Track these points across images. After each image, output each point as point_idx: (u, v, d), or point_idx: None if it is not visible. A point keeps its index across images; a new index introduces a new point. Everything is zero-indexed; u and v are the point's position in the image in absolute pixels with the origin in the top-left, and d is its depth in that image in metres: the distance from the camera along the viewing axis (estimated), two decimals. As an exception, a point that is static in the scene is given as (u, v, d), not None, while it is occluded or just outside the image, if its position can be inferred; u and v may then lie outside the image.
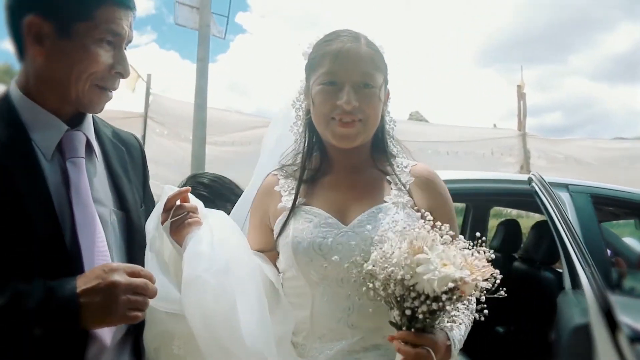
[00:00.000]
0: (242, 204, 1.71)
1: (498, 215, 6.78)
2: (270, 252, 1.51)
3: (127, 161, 1.46)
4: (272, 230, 1.49)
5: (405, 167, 1.50)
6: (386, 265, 1.18)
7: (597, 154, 10.57)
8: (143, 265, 1.31)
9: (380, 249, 1.24)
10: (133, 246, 1.37)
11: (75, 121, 1.34)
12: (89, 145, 1.36)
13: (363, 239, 1.34)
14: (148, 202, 1.55)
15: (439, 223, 1.25)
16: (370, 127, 1.43)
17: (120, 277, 1.14)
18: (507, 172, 9.61)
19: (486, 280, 1.19)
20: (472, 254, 1.22)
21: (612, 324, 1.80)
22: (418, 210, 1.40)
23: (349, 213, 1.41)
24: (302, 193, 1.47)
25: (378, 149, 1.52)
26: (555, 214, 2.23)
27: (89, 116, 1.39)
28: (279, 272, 1.49)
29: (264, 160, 1.71)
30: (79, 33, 1.25)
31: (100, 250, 1.26)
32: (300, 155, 1.54)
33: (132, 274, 1.17)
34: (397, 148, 1.56)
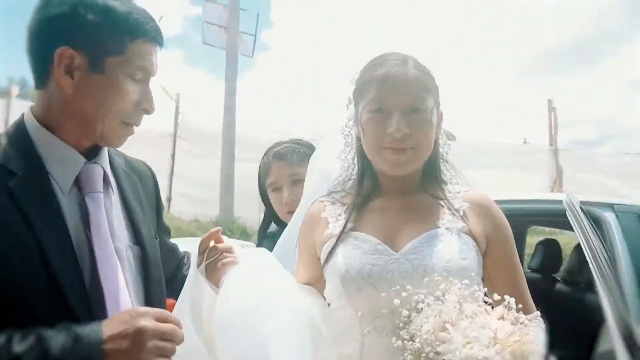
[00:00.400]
0: (288, 237, 1.64)
1: (537, 232, 6.60)
2: (319, 284, 1.43)
3: (140, 192, 1.44)
4: (320, 259, 1.41)
5: (458, 192, 1.42)
6: (416, 339, 1.12)
7: (634, 169, 10.34)
8: (160, 299, 1.34)
9: (413, 319, 1.16)
10: (149, 281, 1.34)
11: (92, 154, 1.30)
12: (105, 178, 1.32)
13: (415, 266, 1.26)
14: (162, 232, 1.54)
15: (476, 287, 1.19)
16: (422, 153, 1.36)
17: (148, 323, 1.10)
18: (538, 187, 9.44)
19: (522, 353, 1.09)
20: (511, 321, 1.12)
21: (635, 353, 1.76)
22: (474, 237, 1.33)
23: (400, 239, 1.33)
24: (351, 219, 1.40)
25: (430, 174, 1.44)
26: (586, 238, 2.15)
27: (104, 149, 1.35)
28: (328, 304, 1.39)
29: (308, 191, 1.65)
30: (111, 67, 1.22)
31: (120, 287, 1.23)
32: (350, 182, 1.48)
33: (160, 319, 1.13)
34: (451, 172, 1.49)
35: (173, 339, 1.13)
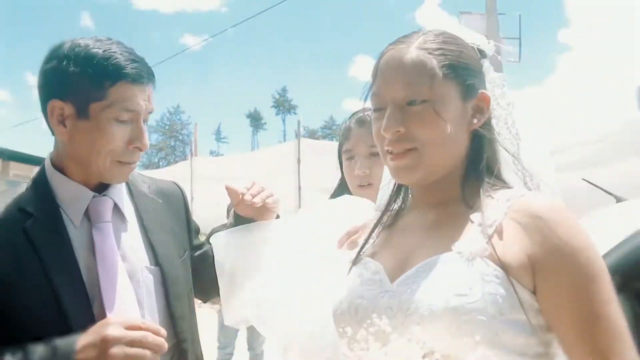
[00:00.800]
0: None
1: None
2: None
3: (164, 213, 1.52)
4: None
5: (508, 199, 1.03)
6: None
7: None
8: (183, 313, 1.43)
9: None
10: (169, 297, 1.41)
11: (102, 187, 1.41)
12: (117, 208, 1.42)
13: (400, 302, 0.98)
14: (194, 246, 1.63)
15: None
16: (432, 155, 1.05)
17: (113, 331, 1.14)
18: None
19: None
20: None
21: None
22: (502, 263, 0.95)
23: (408, 266, 1.05)
24: (373, 240, 1.19)
25: (470, 178, 1.10)
26: None
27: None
28: None
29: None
30: (95, 113, 1.30)
31: (128, 310, 1.31)
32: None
33: (131, 327, 1.16)
34: (520, 174, 1.15)
35: (145, 346, 1.15)
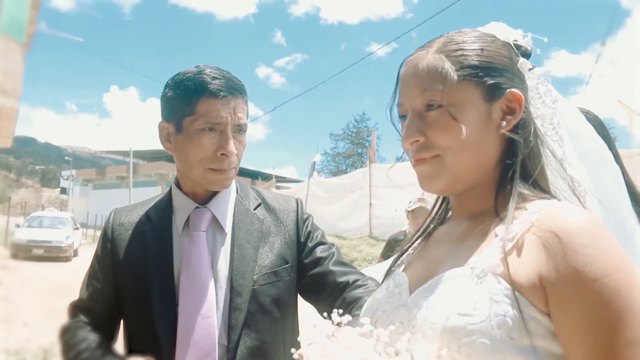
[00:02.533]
0: None
1: None
2: None
3: (263, 228, 1.61)
4: None
5: (540, 210, 0.92)
6: None
7: None
8: (236, 324, 1.47)
9: None
10: (231, 309, 1.48)
11: (208, 200, 1.60)
12: (215, 219, 1.59)
13: (411, 318, 0.93)
14: (307, 256, 1.63)
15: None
16: (455, 162, 0.98)
17: None
18: None
19: None
20: None
21: None
22: (515, 282, 0.84)
23: (428, 278, 0.97)
24: (415, 251, 1.16)
25: (503, 187, 1.00)
26: None
27: (219, 195, 1.61)
28: None
29: None
30: (187, 126, 1.49)
31: (202, 312, 1.45)
32: None
33: None
34: (567, 181, 1.02)
35: None
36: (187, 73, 1.51)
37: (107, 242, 1.63)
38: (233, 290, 1.49)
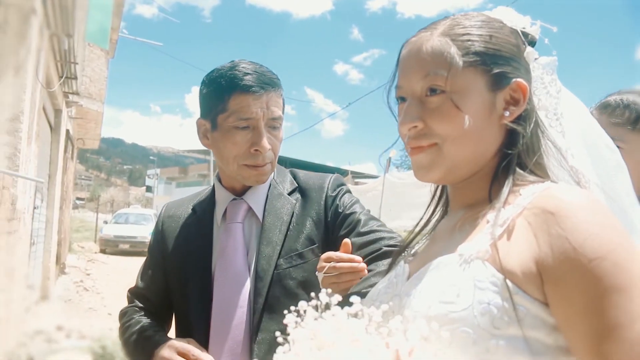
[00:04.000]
0: None
1: None
2: None
3: (293, 213, 1.58)
4: None
5: (533, 193, 0.87)
6: None
7: None
8: (258, 307, 1.47)
9: None
10: (255, 294, 1.49)
11: (244, 192, 1.60)
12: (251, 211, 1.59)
13: (402, 306, 0.90)
14: (332, 234, 1.56)
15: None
16: (453, 152, 0.94)
17: (165, 352, 1.41)
18: None
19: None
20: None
21: None
22: (502, 268, 0.80)
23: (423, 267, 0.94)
24: (422, 244, 1.12)
25: (498, 176, 0.96)
26: None
27: (254, 187, 1.60)
28: None
29: None
30: (221, 123, 1.49)
31: (235, 302, 1.48)
32: None
33: (180, 353, 1.39)
34: (567, 171, 0.98)
35: None
36: (221, 69, 1.50)
37: (158, 233, 1.70)
38: (257, 275, 1.50)
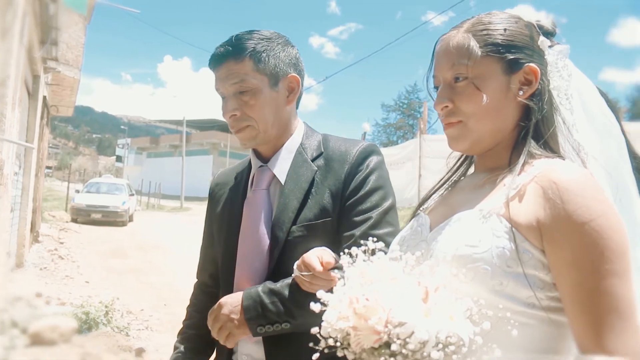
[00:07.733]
0: None
1: None
2: None
3: (314, 180, 1.56)
4: None
5: (542, 166, 1.07)
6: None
7: None
8: (279, 270, 1.51)
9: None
10: (284, 257, 1.51)
11: (270, 158, 1.65)
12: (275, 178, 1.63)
13: (428, 250, 1.10)
14: (345, 212, 1.52)
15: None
16: (476, 127, 1.15)
17: (225, 300, 1.51)
18: None
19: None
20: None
21: None
22: (515, 223, 1.01)
23: (447, 219, 1.14)
24: (440, 198, 1.33)
25: (518, 147, 1.16)
26: None
27: (281, 152, 1.63)
28: None
29: None
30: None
31: (256, 267, 1.54)
32: None
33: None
34: (573, 145, 1.16)
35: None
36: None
37: (209, 202, 1.81)
38: (272, 241, 1.53)
